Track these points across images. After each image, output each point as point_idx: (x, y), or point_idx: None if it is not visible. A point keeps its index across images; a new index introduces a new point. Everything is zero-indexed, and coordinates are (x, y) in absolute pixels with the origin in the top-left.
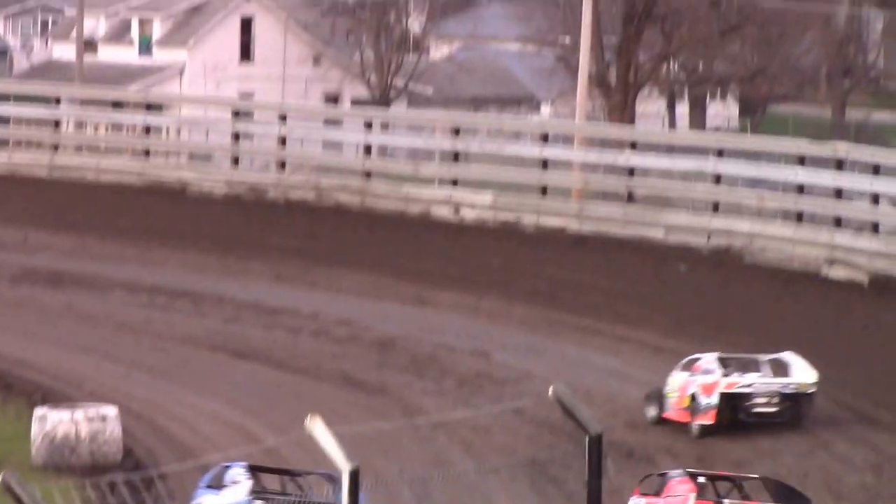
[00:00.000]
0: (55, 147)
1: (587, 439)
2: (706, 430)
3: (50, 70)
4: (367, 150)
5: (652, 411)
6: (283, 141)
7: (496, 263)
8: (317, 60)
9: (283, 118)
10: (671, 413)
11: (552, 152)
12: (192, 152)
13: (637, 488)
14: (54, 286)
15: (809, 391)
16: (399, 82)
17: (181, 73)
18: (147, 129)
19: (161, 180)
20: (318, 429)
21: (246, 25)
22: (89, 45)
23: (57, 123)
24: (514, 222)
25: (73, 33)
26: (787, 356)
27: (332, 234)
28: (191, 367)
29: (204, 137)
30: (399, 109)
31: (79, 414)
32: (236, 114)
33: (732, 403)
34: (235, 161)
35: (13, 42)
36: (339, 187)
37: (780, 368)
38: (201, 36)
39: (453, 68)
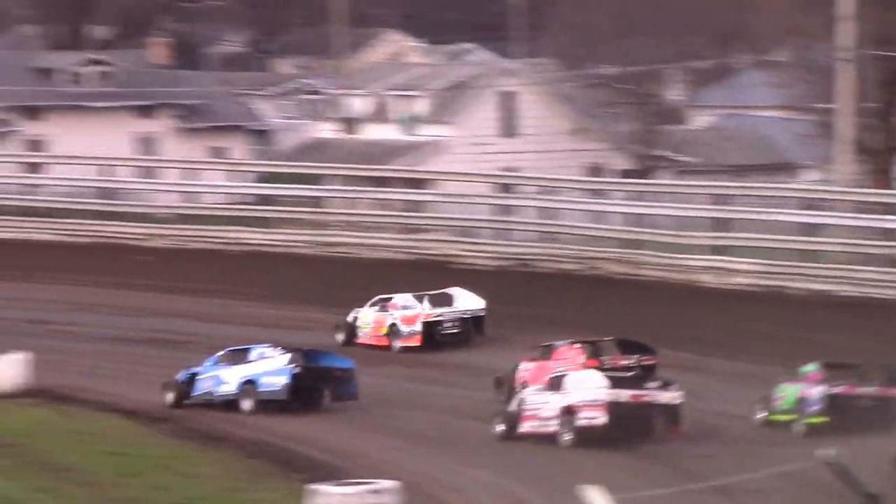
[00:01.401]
0: (321, 225)
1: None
2: (408, 350)
3: (314, 149)
4: (632, 220)
5: (340, 337)
6: (548, 213)
7: (764, 329)
8: (578, 133)
9: (548, 191)
10: (366, 339)
11: (817, 217)
12: (457, 227)
13: (526, 356)
14: None
15: (480, 314)
16: (661, 152)
17: (444, 149)
18: (412, 205)
19: (427, 255)
20: (595, 497)
21: (507, 100)
22: (352, 123)
23: (322, 201)
24: (781, 288)
25: (337, 112)
26: (456, 290)
27: (600, 304)
28: (464, 438)
29: (469, 212)
30: (662, 179)
31: (358, 489)
32: (501, 188)
33: (430, 329)
34: (501, 234)
35: (277, 122)
36: (606, 257)
37: (454, 299)
38: (463, 112)
39: (715, 137)
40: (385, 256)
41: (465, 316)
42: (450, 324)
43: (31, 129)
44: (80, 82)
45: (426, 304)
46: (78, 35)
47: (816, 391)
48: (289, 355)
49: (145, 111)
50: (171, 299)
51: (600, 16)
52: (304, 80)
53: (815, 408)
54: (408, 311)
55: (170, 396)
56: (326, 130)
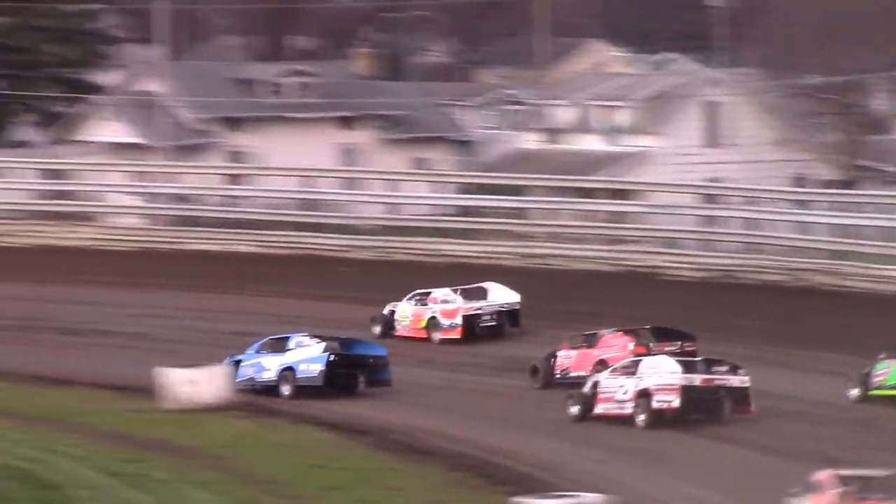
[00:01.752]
0: (525, 236)
1: None
2: (448, 342)
3: (517, 160)
4: (838, 230)
5: (377, 329)
6: (753, 224)
7: None
8: (783, 143)
9: (753, 201)
10: (404, 332)
11: None
12: (662, 238)
13: (565, 344)
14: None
15: (516, 307)
16: (866, 162)
17: (648, 159)
18: (616, 216)
19: (631, 266)
20: None
21: (711, 110)
22: (555, 133)
23: (526, 213)
24: None
25: (540, 123)
26: (490, 284)
27: (806, 316)
28: (663, 450)
29: (673, 223)
30: (868, 189)
31: (563, 501)
32: (706, 198)
33: (470, 322)
34: (706, 245)
35: (480, 133)
36: (811, 268)
37: (488, 293)
38: (667, 122)
39: None
40: (589, 268)
41: (502, 309)
42: (487, 317)
43: (233, 140)
44: (282, 93)
45: (460, 298)
46: (280, 46)
47: None
48: (324, 344)
49: (347, 122)
50: (374, 311)
51: (805, 25)
52: (507, 91)
53: None
54: (447, 305)
55: None
56: (529, 141)
